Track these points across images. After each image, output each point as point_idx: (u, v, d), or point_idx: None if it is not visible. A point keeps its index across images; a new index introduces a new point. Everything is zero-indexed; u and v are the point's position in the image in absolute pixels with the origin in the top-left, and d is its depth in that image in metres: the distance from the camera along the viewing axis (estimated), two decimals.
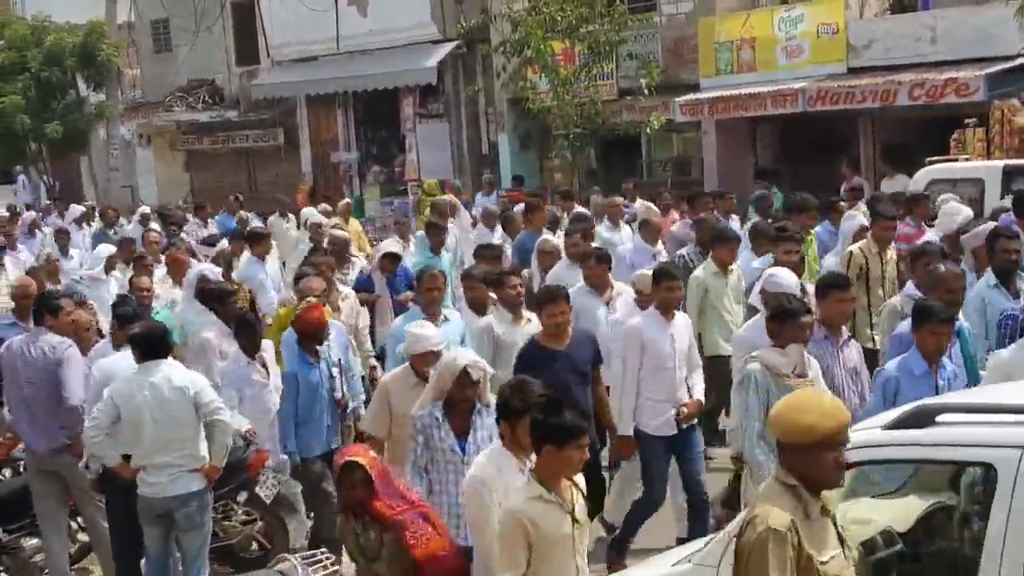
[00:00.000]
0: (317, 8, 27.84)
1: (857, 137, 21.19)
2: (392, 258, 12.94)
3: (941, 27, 19.58)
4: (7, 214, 23.62)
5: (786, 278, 8.70)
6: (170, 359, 8.34)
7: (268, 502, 9.51)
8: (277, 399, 9.22)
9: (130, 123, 34.57)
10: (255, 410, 9.16)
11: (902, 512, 5.87)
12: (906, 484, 6.06)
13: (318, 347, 9.06)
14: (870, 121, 20.98)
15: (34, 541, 9.16)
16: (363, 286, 12.75)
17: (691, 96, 21.92)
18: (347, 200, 20.93)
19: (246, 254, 14.25)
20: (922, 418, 5.15)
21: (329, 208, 19.89)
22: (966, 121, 17.24)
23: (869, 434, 5.42)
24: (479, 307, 10.04)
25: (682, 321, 9.03)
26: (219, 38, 32.67)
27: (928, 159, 15.76)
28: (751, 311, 9.52)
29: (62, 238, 18.67)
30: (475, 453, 6.67)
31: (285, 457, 9.14)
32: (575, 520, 5.60)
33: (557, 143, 23.22)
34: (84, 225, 21.95)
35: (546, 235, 13.29)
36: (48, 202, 29.25)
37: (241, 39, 32.65)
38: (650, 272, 9.35)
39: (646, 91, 21.80)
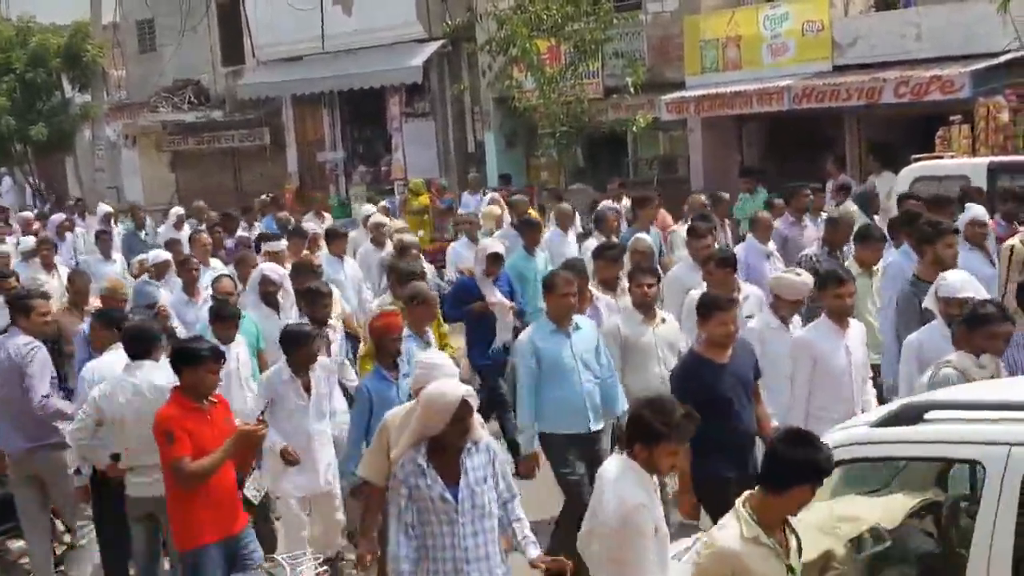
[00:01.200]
0: (302, 8, 27.79)
1: (843, 135, 21.21)
2: (496, 259, 11.51)
3: (926, 24, 19.62)
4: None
5: (960, 281, 7.95)
6: (158, 360, 8.31)
7: (255, 503, 9.50)
8: (321, 426, 8.75)
9: (115, 124, 34.45)
10: (288, 431, 8.69)
11: (890, 509, 5.88)
12: (894, 481, 6.08)
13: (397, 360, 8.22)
14: (856, 119, 21.00)
15: (20, 543, 9.12)
16: (467, 291, 11.46)
17: (677, 94, 21.93)
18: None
19: (324, 253, 13.73)
20: (910, 415, 5.15)
21: (387, 206, 19.22)
22: (951, 118, 17.27)
23: (857, 431, 5.43)
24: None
25: (857, 330, 8.26)
26: (204, 38, 32.58)
27: (913, 156, 15.78)
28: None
29: (104, 240, 17.29)
30: (468, 499, 5.94)
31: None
32: (791, 569, 4.95)
33: (543, 142, 23.22)
34: (112, 226, 20.34)
35: (641, 235, 12.45)
36: (38, 203, 29.11)
37: (226, 39, 32.58)
38: (792, 275, 8.82)
39: (632, 89, 21.80)
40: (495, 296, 11.35)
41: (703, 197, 15.81)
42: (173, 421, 7.07)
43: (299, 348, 8.57)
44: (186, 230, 18.87)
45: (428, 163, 27.38)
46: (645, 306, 8.99)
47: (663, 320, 9.00)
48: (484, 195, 22.31)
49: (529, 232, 13.00)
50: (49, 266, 15.35)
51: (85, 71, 32.00)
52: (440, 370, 6.51)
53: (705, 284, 9.47)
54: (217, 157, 32.98)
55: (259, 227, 19.27)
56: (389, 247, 14.07)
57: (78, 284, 11.64)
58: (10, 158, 33.76)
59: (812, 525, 5.80)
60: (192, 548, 7.14)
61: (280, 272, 11.30)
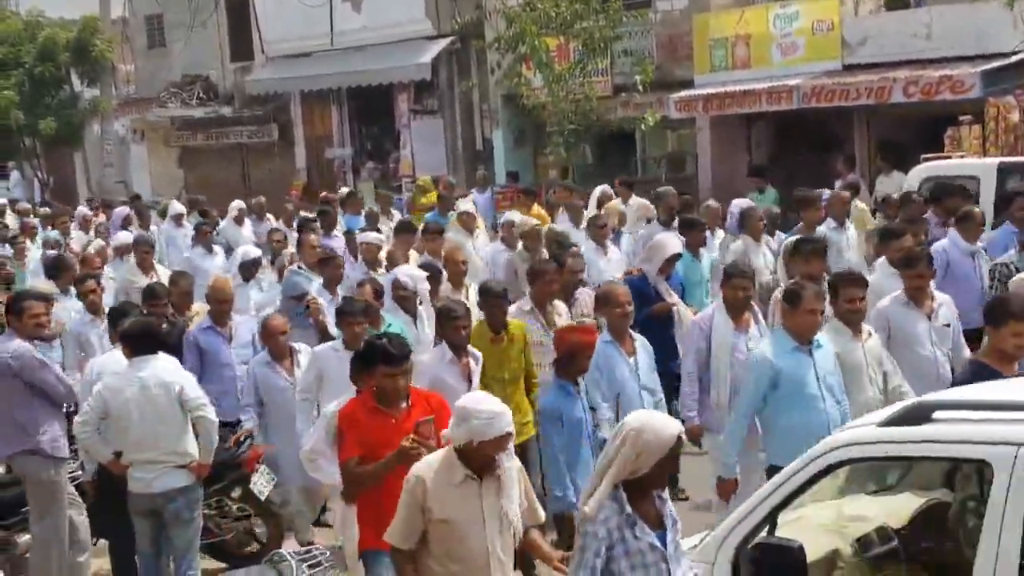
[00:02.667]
0: (311, 4, 27.80)
1: (852, 134, 21.18)
2: (675, 260, 11.03)
3: (936, 24, 19.57)
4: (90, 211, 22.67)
5: None
6: (161, 355, 8.33)
7: (263, 498, 9.52)
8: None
9: (124, 119, 34.50)
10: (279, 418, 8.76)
11: (897, 509, 5.87)
12: (902, 481, 6.07)
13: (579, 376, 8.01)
14: (865, 118, 20.97)
15: (27, 537, 9.13)
16: (641, 292, 10.33)
17: (686, 93, 21.90)
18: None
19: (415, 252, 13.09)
20: (918, 415, 5.14)
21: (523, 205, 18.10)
22: (961, 118, 17.24)
23: (864, 431, 5.42)
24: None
25: None
26: (213, 34, 32.60)
27: (923, 156, 15.76)
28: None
29: (204, 235, 16.13)
30: (673, 544, 5.18)
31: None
32: None
33: (552, 139, 23.19)
34: (183, 223, 19.35)
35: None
36: (47, 198, 29.11)
37: (235, 35, 32.58)
38: None
39: (640, 87, 21.77)
40: (673, 297, 10.89)
41: (712, 202, 15.14)
42: (347, 420, 6.82)
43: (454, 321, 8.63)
44: (248, 226, 18.51)
45: (436, 160, 27.37)
46: (854, 321, 8.06)
47: (869, 334, 8.16)
48: (490, 192, 22.40)
49: (693, 233, 12.31)
50: (147, 267, 14.14)
51: (94, 66, 32.13)
52: (501, 418, 5.73)
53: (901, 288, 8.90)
54: (225, 153, 33.00)
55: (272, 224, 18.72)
56: (519, 246, 13.59)
57: (181, 285, 11.37)
58: (19, 152, 33.89)
59: (820, 524, 5.80)
60: (363, 550, 6.88)
61: (419, 275, 10.55)
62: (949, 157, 15.91)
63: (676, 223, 13.38)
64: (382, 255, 12.92)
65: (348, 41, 28.32)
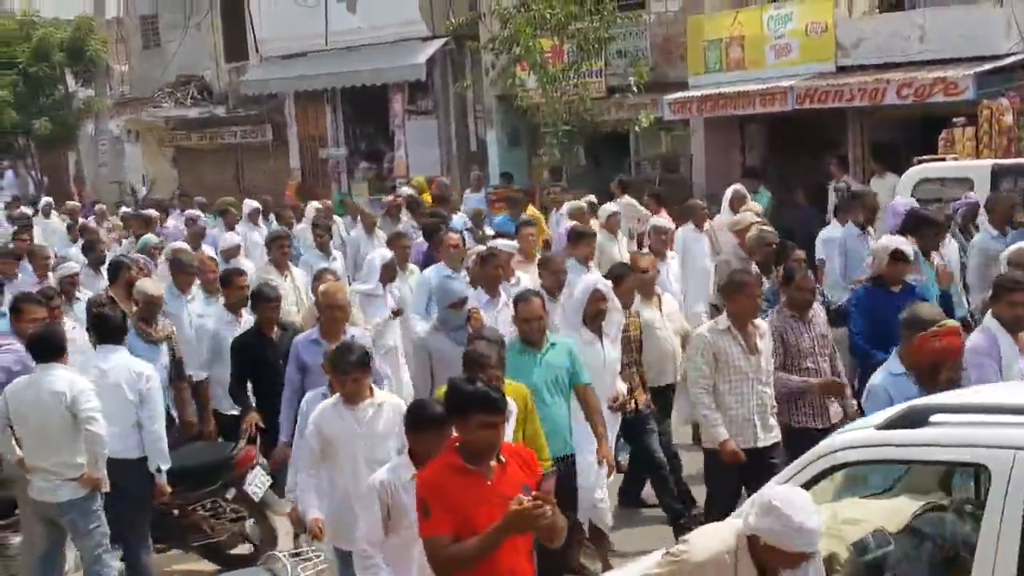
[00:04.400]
0: (306, 4, 27.80)
1: (846, 136, 21.18)
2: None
3: (930, 26, 19.58)
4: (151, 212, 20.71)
5: None
6: (57, 365, 8.30)
7: (256, 499, 9.50)
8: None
9: (118, 119, 34.47)
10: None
11: (894, 512, 5.87)
12: (898, 484, 6.07)
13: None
14: (859, 120, 20.97)
15: (20, 538, 9.12)
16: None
17: (680, 94, 21.91)
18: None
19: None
20: (915, 418, 5.14)
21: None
22: (955, 120, 17.26)
23: (862, 434, 5.42)
24: None
25: None
26: (208, 34, 32.59)
27: (916, 158, 15.77)
28: None
29: (320, 236, 15.15)
30: None
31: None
32: None
33: (546, 140, 23.20)
34: (259, 223, 18.42)
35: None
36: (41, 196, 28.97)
37: (230, 35, 32.55)
38: None
39: (635, 89, 21.79)
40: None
41: (700, 202, 15.19)
42: (431, 487, 5.42)
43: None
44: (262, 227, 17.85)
45: (430, 161, 27.37)
46: (1016, 326, 7.57)
47: None
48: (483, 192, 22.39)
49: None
50: (282, 266, 12.98)
51: (88, 66, 32.19)
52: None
53: None
54: (220, 153, 32.98)
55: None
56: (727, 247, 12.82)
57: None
58: (13, 152, 33.87)
59: None
60: None
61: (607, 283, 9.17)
62: (943, 159, 15.93)
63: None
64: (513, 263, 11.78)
65: (343, 42, 28.31)
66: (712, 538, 5.07)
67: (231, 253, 14.43)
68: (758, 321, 8.59)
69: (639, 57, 22.74)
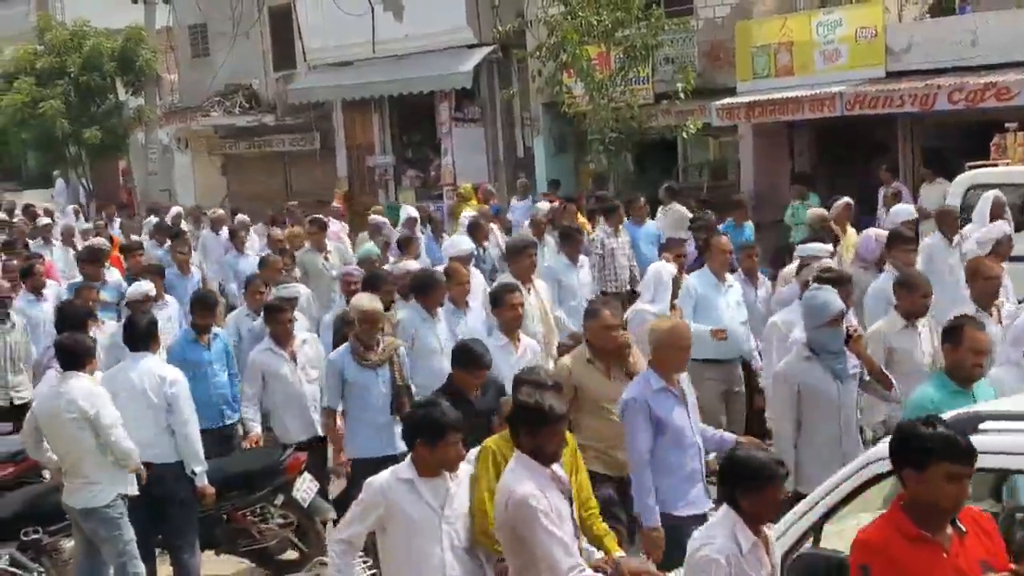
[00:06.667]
0: (353, 13, 27.91)
1: (896, 141, 21.04)
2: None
3: (982, 31, 19.42)
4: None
5: None
6: (80, 375, 8.45)
7: (305, 505, 9.54)
8: None
9: (168, 127, 34.77)
10: None
11: None
12: None
13: None
14: (909, 125, 20.82)
15: (72, 543, 9.20)
16: None
17: (728, 100, 21.82)
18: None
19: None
20: (966, 425, 5.09)
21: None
22: (1007, 125, 17.07)
23: None
24: None
25: None
26: (256, 43, 32.79)
27: (968, 164, 15.63)
28: None
29: (410, 243, 14.96)
30: None
31: None
32: None
33: (592, 147, 23.18)
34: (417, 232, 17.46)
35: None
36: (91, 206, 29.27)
37: (278, 44, 32.76)
38: None
39: (682, 95, 21.72)
40: None
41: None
42: (880, 559, 4.49)
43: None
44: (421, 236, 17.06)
45: (477, 168, 27.41)
46: None
47: None
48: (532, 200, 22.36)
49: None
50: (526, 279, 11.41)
51: (138, 75, 32.46)
52: None
53: None
54: (268, 161, 33.17)
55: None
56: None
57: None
58: (64, 161, 34.21)
59: None
60: None
61: None
62: (995, 164, 15.77)
63: None
64: None
65: (390, 50, 28.42)
66: None
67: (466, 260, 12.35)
68: None
69: (687, 63, 22.66)
